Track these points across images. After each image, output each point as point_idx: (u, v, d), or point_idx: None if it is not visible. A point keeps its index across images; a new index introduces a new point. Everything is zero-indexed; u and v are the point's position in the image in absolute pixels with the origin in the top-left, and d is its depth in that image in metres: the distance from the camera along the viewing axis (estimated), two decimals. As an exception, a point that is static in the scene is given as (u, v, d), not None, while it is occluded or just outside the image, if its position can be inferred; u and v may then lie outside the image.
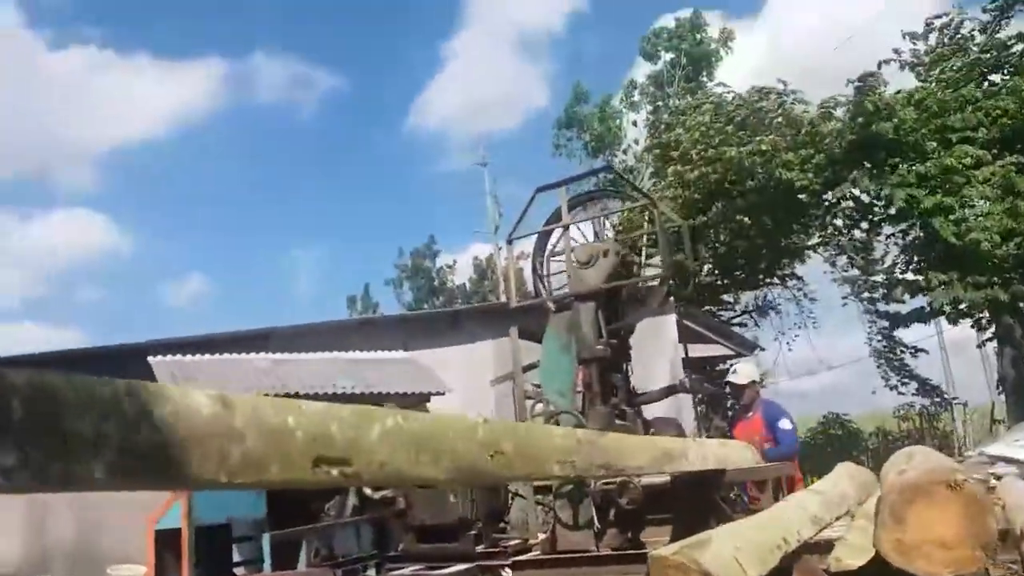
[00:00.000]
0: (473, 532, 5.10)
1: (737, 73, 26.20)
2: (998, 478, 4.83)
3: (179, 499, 5.44)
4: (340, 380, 10.05)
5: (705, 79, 25.19)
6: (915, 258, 15.20)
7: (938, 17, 15.30)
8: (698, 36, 26.20)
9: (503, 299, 19.39)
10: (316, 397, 9.87)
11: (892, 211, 14.49)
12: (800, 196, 15.00)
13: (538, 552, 4.62)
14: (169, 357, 10.42)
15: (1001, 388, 14.50)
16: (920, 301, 14.83)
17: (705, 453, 4.02)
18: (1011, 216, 12.41)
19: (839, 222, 15.73)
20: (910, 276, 15.03)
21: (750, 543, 2.64)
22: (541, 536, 4.92)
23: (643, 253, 6.63)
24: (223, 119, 60.73)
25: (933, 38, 15.36)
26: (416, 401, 10.06)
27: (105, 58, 61.89)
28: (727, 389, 6.52)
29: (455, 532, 5.10)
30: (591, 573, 4.11)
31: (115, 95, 58.70)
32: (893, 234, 15.51)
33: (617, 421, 5.39)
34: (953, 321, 14.37)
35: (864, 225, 15.64)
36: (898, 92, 14.19)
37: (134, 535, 6.24)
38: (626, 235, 6.78)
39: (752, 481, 4.88)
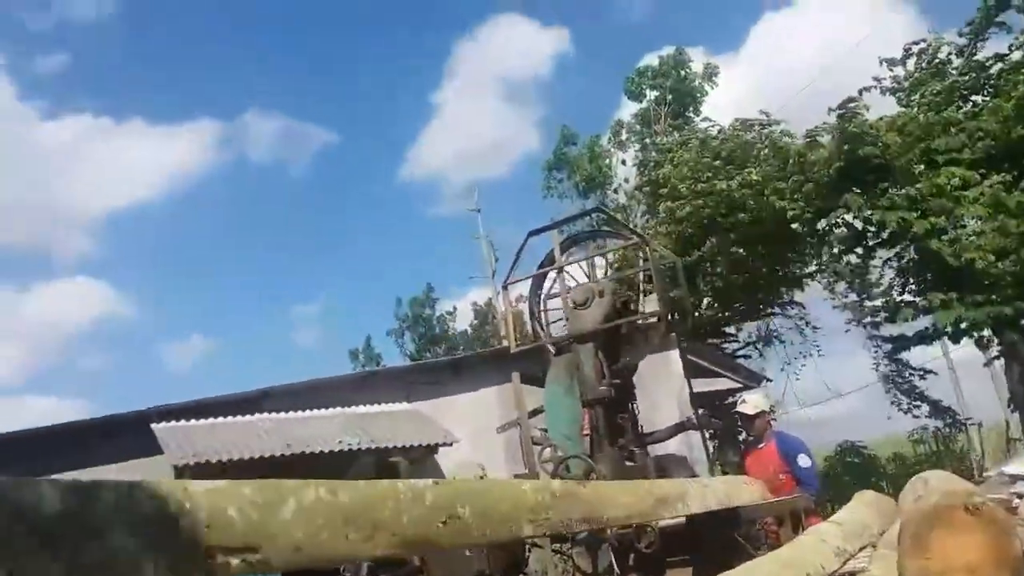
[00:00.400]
0: (490, 585, 5.00)
1: (722, 108, 26.53)
2: (1020, 497, 4.75)
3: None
4: (344, 436, 9.94)
5: (691, 114, 25.53)
6: (911, 280, 15.23)
7: (915, 43, 15.57)
8: (682, 72, 26.59)
9: (504, 344, 19.32)
10: (321, 456, 9.83)
11: (884, 235, 14.57)
12: (793, 225, 15.09)
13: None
14: (172, 423, 10.33)
15: (1013, 405, 14.37)
16: (922, 323, 14.83)
17: (706, 493, 3.96)
18: (1002, 234, 12.48)
19: (834, 249, 15.78)
20: (908, 298, 15.05)
21: (774, 581, 2.59)
22: (559, 585, 4.83)
23: (640, 291, 6.64)
24: (218, 179, 61.19)
25: (911, 63, 15.61)
26: (423, 453, 9.97)
27: (100, 125, 62.68)
28: (737, 422, 6.44)
29: (471, 586, 5.01)
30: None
31: (110, 162, 59.34)
32: (889, 259, 15.57)
33: (627, 463, 5.33)
34: (956, 340, 14.32)
35: (859, 250, 15.69)
36: (880, 118, 14.37)
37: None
38: (621, 274, 6.82)
39: (771, 517, 4.79)
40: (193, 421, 10.54)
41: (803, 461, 5.75)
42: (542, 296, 6.35)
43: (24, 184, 57.51)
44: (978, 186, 13.00)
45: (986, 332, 13.89)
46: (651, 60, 27.52)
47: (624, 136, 27.10)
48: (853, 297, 16.22)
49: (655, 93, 26.46)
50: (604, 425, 5.38)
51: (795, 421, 18.85)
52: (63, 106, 66.34)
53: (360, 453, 9.70)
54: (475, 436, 10.61)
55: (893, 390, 17.08)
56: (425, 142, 59.26)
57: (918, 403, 16.82)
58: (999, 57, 14.55)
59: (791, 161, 14.80)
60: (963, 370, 21.21)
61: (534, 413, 6.14)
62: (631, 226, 17.08)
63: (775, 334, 20.32)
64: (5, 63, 60.44)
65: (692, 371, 12.73)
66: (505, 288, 6.54)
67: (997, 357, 14.90)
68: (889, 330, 16.00)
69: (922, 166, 13.63)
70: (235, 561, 1.11)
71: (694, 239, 16.28)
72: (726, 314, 18.76)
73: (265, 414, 10.95)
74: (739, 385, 13.88)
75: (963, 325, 13.37)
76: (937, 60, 15.38)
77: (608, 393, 5.33)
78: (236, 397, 11.79)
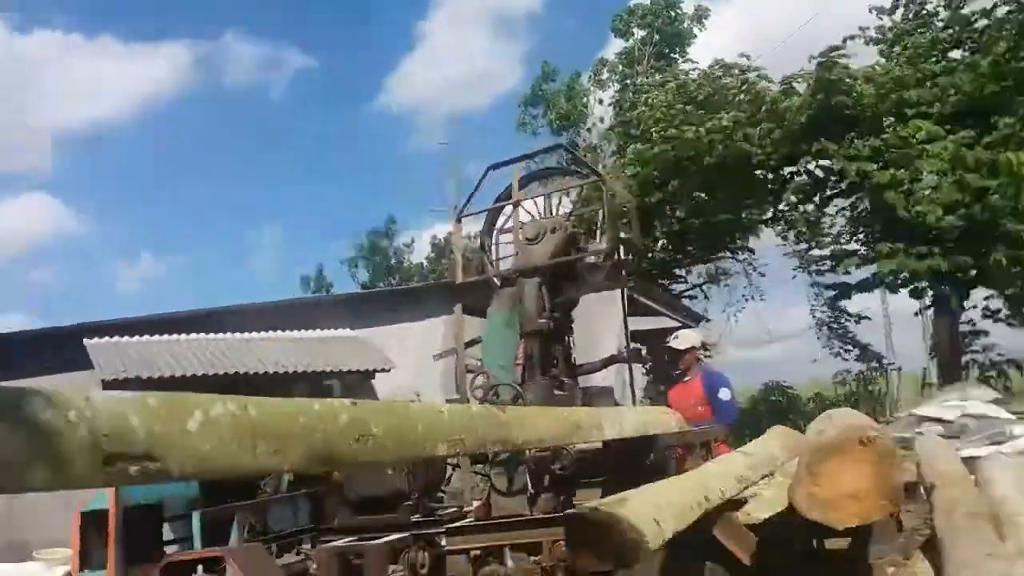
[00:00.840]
0: (409, 503, 5.09)
1: (713, 51, 26.20)
2: (920, 435, 4.96)
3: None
4: (283, 359, 9.89)
5: (677, 56, 25.14)
6: (860, 230, 15.54)
7: None
8: (672, 13, 26.04)
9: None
10: (257, 376, 9.79)
11: (843, 185, 14.77)
12: (757, 172, 15.18)
13: (473, 519, 4.64)
14: (106, 339, 10.14)
15: (934, 354, 14.97)
16: (865, 272, 15.21)
17: (622, 421, 4.06)
18: (959, 189, 12.72)
19: (793, 197, 15.97)
20: (855, 247, 15.38)
21: (670, 501, 2.67)
22: (476, 504, 4.94)
23: (597, 229, 6.65)
24: (192, 101, 59.20)
25: (899, 13, 15.59)
26: (360, 378, 9.99)
27: (70, 42, 59.82)
28: (666, 356, 6.59)
29: (391, 504, 5.10)
30: (521, 536, 4.15)
31: (81, 79, 56.86)
32: (843, 208, 15.83)
33: (556, 392, 5.40)
34: (893, 289, 14.74)
35: (816, 199, 15.92)
36: (853, 70, 14.35)
37: (65, 519, 6.11)
38: (574, 212, 6.80)
39: (682, 445, 4.95)
40: (127, 338, 10.36)
41: (723, 394, 5.98)
42: (496, 230, 6.33)
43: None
44: (942, 140, 13.19)
45: (923, 283, 14.33)
46: (644, -1, 26.92)
47: (605, 75, 26.62)
48: (803, 246, 16.54)
49: (642, 32, 25.92)
50: (539, 356, 5.41)
51: (732, 362, 19.38)
52: (33, 20, 63.13)
53: (296, 376, 9.68)
54: (418, 365, 10.67)
55: (827, 334, 17.66)
56: (407, 72, 57.67)
57: (849, 347, 17.43)
58: (984, 12, 14.57)
59: (764, 107, 14.81)
60: (899, 320, 21.96)
61: (473, 343, 6.17)
62: (599, 166, 17.03)
63: (722, 276, 20.71)
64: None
65: (639, 309, 12.94)
66: (459, 220, 6.43)
67: (928, 307, 15.43)
68: (832, 279, 16.45)
69: (892, 118, 13.74)
70: (133, 468, 1.13)
71: (657, 181, 16.30)
72: (678, 256, 18.98)
73: (201, 334, 10.81)
74: (679, 324, 14.11)
75: (902, 275, 13.76)
76: (924, 11, 15.38)
77: (546, 325, 5.35)
78: (177, 316, 11.63)
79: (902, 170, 13.09)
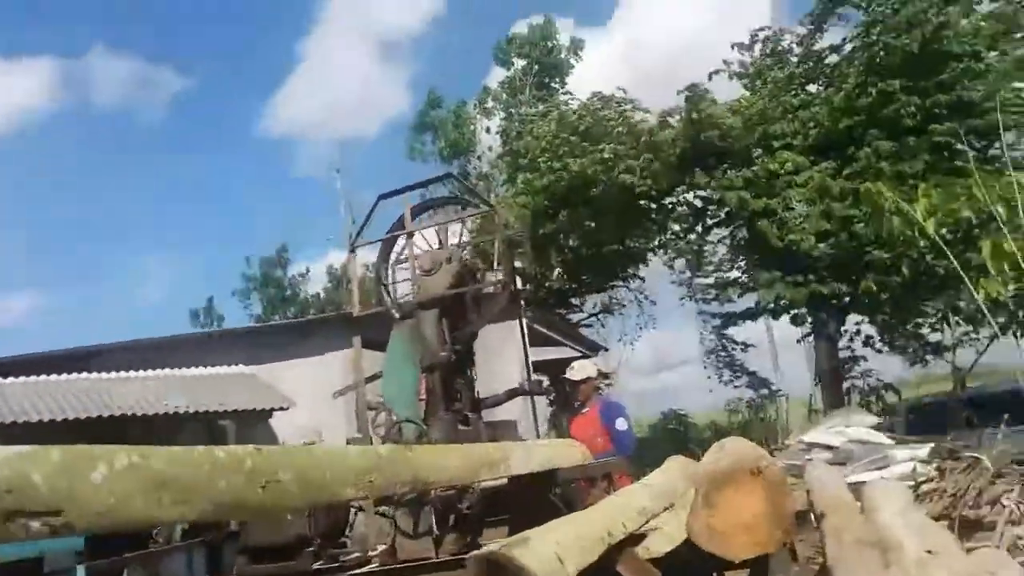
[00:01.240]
0: (311, 549, 4.92)
1: (587, 80, 27.07)
2: (810, 461, 5.22)
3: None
4: (172, 399, 9.44)
5: (556, 86, 25.83)
6: (741, 259, 16.29)
7: (761, 30, 16.45)
8: (549, 44, 26.77)
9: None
10: (144, 419, 9.29)
11: (722, 215, 15.48)
12: (641, 202, 15.70)
13: (377, 564, 4.53)
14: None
15: (818, 380, 15.79)
16: (749, 301, 15.94)
17: (529, 455, 4.09)
18: (826, 218, 13.52)
19: (676, 227, 16.59)
20: (736, 275, 16.11)
21: (573, 537, 2.69)
22: (381, 548, 4.83)
23: (492, 260, 6.69)
24: (59, 121, 55.90)
25: (758, 49, 16.48)
26: (256, 418, 9.63)
27: None
28: (567, 387, 6.67)
29: (292, 551, 4.92)
30: (428, 580, 4.08)
31: None
32: (723, 237, 16.56)
33: (461, 427, 5.38)
34: (776, 316, 15.51)
35: (699, 228, 16.58)
36: (721, 103, 15.10)
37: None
38: (468, 242, 6.82)
39: (584, 479, 5.01)
40: (9, 379, 9.65)
41: (620, 424, 6.08)
42: (391, 262, 6.27)
43: None
44: (808, 171, 14.01)
45: (803, 310, 15.13)
46: (522, 28, 27.62)
47: (490, 103, 27.06)
48: (688, 275, 17.20)
49: (522, 62, 26.54)
50: (440, 390, 5.38)
51: (630, 391, 19.81)
52: None
53: (187, 416, 9.24)
54: (315, 402, 10.39)
55: (716, 363, 18.35)
56: (290, 93, 56.60)
57: (738, 375, 18.16)
58: (834, 48, 15.62)
59: (642, 139, 15.36)
60: (784, 347, 23.07)
61: (374, 378, 6.08)
62: (492, 194, 17.19)
63: (616, 305, 21.24)
64: None
65: (538, 340, 13.08)
66: (352, 251, 6.34)
67: (809, 334, 16.32)
68: (718, 307, 17.16)
69: (760, 150, 14.52)
70: (35, 524, 1.12)
71: (549, 211, 16.61)
72: (574, 285, 19.34)
73: (84, 374, 10.18)
74: (579, 354, 14.38)
75: (783, 303, 14.48)
76: (780, 48, 16.33)
77: (447, 358, 5.32)
78: (59, 354, 10.95)
79: (774, 200, 13.82)
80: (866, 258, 13.02)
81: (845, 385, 15.66)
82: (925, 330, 15.52)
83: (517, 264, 6.26)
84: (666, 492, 3.98)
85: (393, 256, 6.37)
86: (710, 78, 15.73)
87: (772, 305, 14.70)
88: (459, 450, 3.84)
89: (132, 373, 10.49)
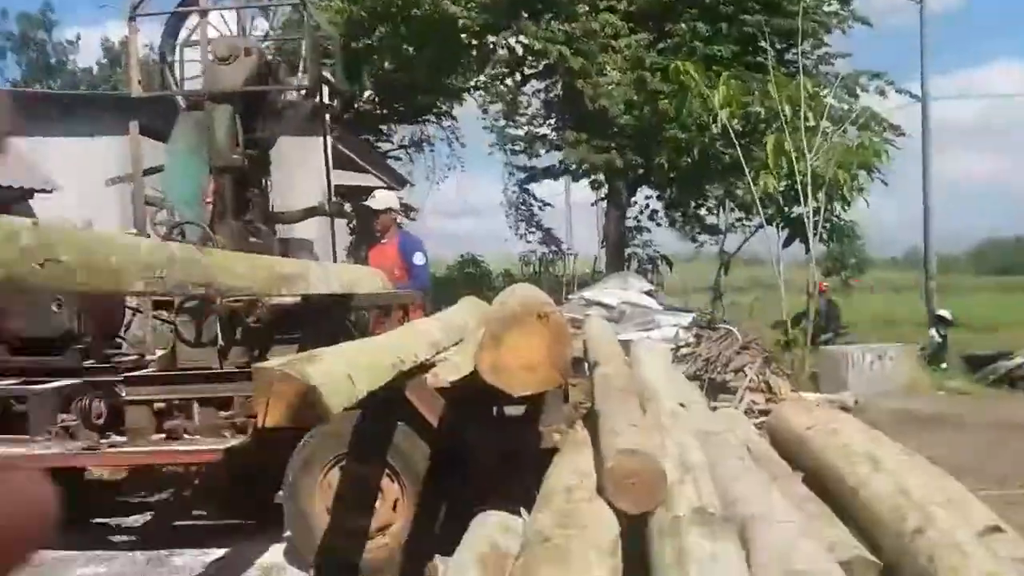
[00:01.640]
0: (80, 346, 4.58)
1: None
2: (588, 315, 5.67)
3: None
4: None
5: None
6: (553, 115, 16.52)
7: None
8: None
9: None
10: None
11: (541, 66, 15.39)
12: (463, 35, 15.14)
13: (156, 369, 4.35)
14: None
15: (604, 244, 16.90)
16: (554, 160, 16.36)
17: (328, 277, 4.04)
18: (637, 88, 13.91)
19: (495, 70, 16.31)
20: (546, 131, 16.39)
21: (364, 361, 2.75)
22: (160, 353, 4.62)
23: (301, 64, 6.18)
24: None
25: None
26: (14, 197, 8.55)
27: None
28: (364, 215, 6.59)
29: (58, 346, 4.54)
30: (210, 389, 4.01)
31: None
32: (539, 90, 16.61)
33: (251, 239, 5.13)
34: (576, 179, 16.13)
35: (518, 77, 16.45)
36: None
37: None
38: (279, 39, 6.22)
39: (378, 307, 5.06)
40: None
41: (418, 259, 6.17)
42: (179, 40, 5.55)
43: None
44: (626, 37, 14.18)
45: (601, 176, 15.84)
46: None
47: None
48: (502, 122, 17.20)
49: None
50: (231, 196, 5.01)
51: (433, 231, 20.00)
52: None
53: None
54: (82, 187, 9.40)
55: (516, 216, 19.01)
56: None
57: (534, 230, 18.99)
58: None
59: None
60: (580, 209, 24.21)
61: (154, 171, 5.54)
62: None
63: (426, 141, 20.94)
64: None
65: (343, 162, 12.60)
66: (132, 19, 5.48)
67: (603, 199, 17.22)
68: (526, 160, 17.49)
69: (586, 7, 14.35)
70: None
71: (366, 24, 15.52)
72: (385, 112, 18.67)
73: None
74: (384, 184, 14.11)
75: (585, 167, 15.03)
76: None
77: (241, 163, 4.90)
78: None
79: (589, 60, 13.95)
80: (664, 134, 13.57)
81: (627, 252, 16.84)
82: (703, 212, 16.90)
83: (326, 75, 5.78)
84: (457, 327, 4.15)
85: (183, 34, 5.66)
86: None
87: (574, 166, 15.18)
88: (257, 260, 3.69)
89: None
